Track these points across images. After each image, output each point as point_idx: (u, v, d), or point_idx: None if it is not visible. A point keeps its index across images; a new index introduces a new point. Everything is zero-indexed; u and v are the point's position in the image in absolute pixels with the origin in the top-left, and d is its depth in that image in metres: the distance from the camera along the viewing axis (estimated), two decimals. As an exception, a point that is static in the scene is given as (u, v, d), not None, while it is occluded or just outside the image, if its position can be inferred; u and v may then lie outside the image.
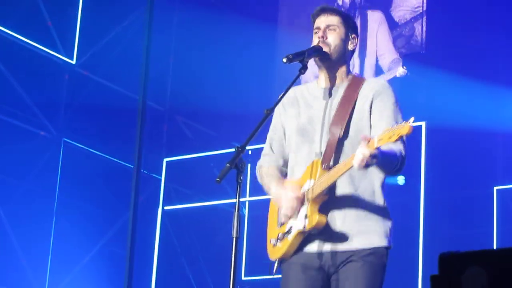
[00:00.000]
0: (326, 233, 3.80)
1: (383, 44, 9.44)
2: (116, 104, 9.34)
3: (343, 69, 4.02)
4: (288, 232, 3.86)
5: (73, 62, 9.36)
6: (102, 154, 9.55)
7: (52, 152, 9.08)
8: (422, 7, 9.24)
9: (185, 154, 10.05)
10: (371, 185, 3.87)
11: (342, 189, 3.83)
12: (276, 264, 3.92)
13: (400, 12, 9.44)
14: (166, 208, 9.99)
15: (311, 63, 4.00)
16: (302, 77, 4.03)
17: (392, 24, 9.46)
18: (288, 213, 3.82)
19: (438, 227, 8.80)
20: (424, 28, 9.18)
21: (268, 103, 4.08)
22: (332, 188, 3.80)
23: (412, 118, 3.50)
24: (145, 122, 7.78)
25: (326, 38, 3.98)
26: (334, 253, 3.81)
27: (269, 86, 9.76)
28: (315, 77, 4.21)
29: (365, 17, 9.64)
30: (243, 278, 9.53)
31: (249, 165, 8.39)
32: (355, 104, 3.91)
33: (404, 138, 3.60)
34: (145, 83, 7.78)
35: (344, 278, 3.80)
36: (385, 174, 3.86)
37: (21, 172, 8.77)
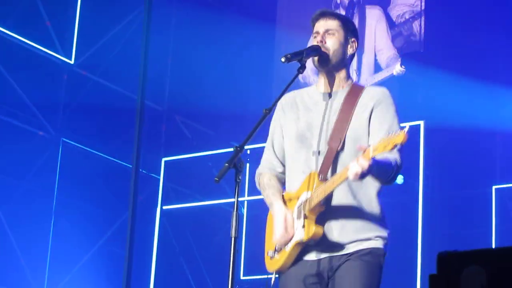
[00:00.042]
0: (323, 243, 3.80)
1: (382, 40, 9.43)
2: (115, 104, 9.34)
3: (342, 74, 3.99)
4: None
5: (72, 62, 9.36)
6: (101, 154, 9.55)
7: (51, 152, 9.08)
8: (420, 4, 9.24)
9: (184, 154, 10.05)
10: (368, 194, 3.86)
11: (339, 200, 3.82)
12: (273, 276, 3.92)
13: (398, 9, 9.43)
14: (164, 207, 9.99)
15: (309, 64, 3.99)
16: (301, 76, 4.02)
17: (390, 23, 9.46)
18: (280, 245, 3.85)
19: (437, 226, 8.81)
20: (423, 27, 9.17)
21: (266, 102, 4.07)
22: (329, 198, 3.79)
23: (408, 127, 3.49)
24: (143, 122, 7.76)
25: (325, 43, 3.94)
26: (331, 258, 3.82)
27: (268, 85, 9.76)
28: (314, 73, 4.19)
29: (363, 14, 9.65)
30: (241, 277, 9.53)
31: (247, 165, 8.39)
32: (353, 113, 3.88)
33: (399, 146, 3.57)
34: (144, 83, 7.77)
35: (342, 276, 3.79)
36: (380, 183, 3.84)
37: (19, 172, 8.76)
